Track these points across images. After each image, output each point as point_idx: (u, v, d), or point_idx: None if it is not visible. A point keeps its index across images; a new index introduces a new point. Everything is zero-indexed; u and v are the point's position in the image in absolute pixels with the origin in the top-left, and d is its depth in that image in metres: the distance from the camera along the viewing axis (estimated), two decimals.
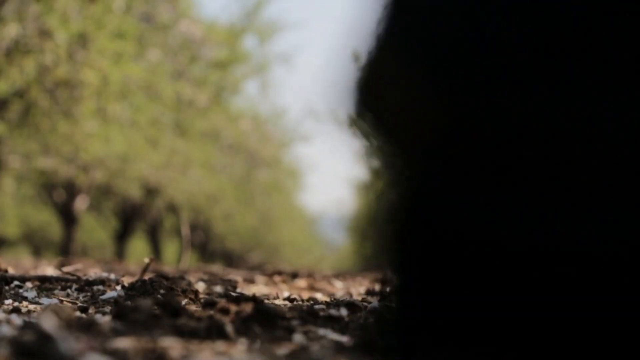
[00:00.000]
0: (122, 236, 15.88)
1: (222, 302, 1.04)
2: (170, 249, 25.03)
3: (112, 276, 1.66)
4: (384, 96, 1.10)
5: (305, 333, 0.93)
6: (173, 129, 10.92)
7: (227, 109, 13.61)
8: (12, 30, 6.22)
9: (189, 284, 1.41)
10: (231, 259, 25.53)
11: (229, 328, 0.86)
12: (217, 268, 4.22)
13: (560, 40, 0.99)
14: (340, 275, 3.44)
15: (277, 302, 1.52)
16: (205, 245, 21.89)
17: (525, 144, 0.92)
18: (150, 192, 14.15)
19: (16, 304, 1.27)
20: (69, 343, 0.65)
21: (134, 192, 13.24)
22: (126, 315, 0.89)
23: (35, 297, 1.38)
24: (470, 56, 1.01)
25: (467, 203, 0.95)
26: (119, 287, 1.47)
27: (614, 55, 0.97)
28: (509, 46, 1.02)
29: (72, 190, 12.67)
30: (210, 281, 2.06)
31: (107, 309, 1.20)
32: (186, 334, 0.84)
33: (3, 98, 7.01)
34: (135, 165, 10.75)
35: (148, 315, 0.89)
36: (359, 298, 1.78)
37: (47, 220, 18.88)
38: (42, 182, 12.23)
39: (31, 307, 1.24)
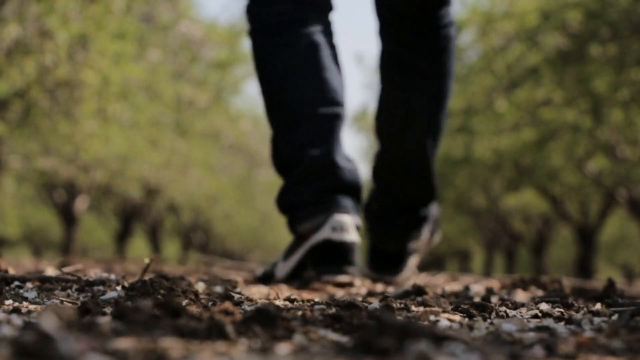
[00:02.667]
0: (122, 236, 15.89)
1: (223, 303, 1.04)
2: (170, 249, 25.03)
3: (113, 276, 1.66)
4: None
5: (305, 333, 0.93)
6: (173, 129, 10.93)
7: (227, 109, 13.61)
8: (12, 30, 6.22)
9: (189, 284, 1.41)
10: (231, 259, 25.54)
11: (230, 328, 0.86)
12: (217, 268, 4.22)
13: None
14: None
15: (277, 302, 1.52)
16: (206, 246, 21.91)
17: None
18: (151, 192, 14.15)
19: (16, 304, 1.27)
20: (69, 343, 0.65)
21: (134, 192, 13.25)
22: (126, 316, 0.89)
23: (36, 297, 1.38)
24: None
25: None
26: (119, 288, 1.47)
27: None
28: None
29: (72, 190, 12.68)
30: (210, 281, 2.06)
31: (108, 309, 1.20)
32: (186, 334, 0.84)
33: (3, 98, 7.02)
34: (136, 166, 10.76)
35: (148, 315, 0.89)
36: (360, 298, 1.79)
37: (47, 221, 18.89)
38: (42, 183, 12.24)
39: (31, 307, 1.24)
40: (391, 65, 2.38)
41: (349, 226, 2.12)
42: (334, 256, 2.08)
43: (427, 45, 2.31)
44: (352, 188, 2.20)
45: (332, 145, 2.19)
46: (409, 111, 2.36)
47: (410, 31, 2.30)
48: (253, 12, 2.21)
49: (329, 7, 2.26)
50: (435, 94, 2.36)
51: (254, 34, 2.24)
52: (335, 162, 2.18)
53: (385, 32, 2.36)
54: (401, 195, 2.50)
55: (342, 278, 2.07)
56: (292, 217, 2.22)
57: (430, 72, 2.36)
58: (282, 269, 2.24)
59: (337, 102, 2.22)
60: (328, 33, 2.24)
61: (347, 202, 2.17)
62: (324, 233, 2.07)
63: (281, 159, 2.25)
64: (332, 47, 2.26)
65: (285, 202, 2.25)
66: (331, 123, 2.19)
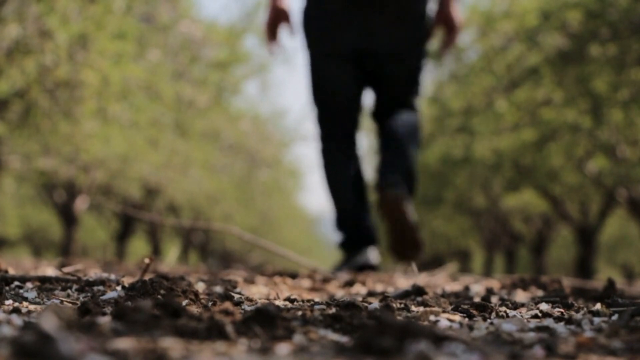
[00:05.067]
0: (122, 236, 15.90)
1: (223, 303, 1.04)
2: (170, 249, 25.03)
3: (112, 276, 1.66)
4: None
5: (305, 333, 0.93)
6: (173, 129, 10.93)
7: (227, 109, 13.61)
8: (12, 30, 6.22)
9: (189, 284, 1.41)
10: (231, 260, 25.52)
11: (230, 328, 0.86)
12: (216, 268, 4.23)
13: None
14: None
15: (277, 302, 1.52)
16: (205, 246, 21.91)
17: None
18: (151, 192, 14.15)
19: (16, 304, 1.27)
20: (69, 343, 0.65)
21: (134, 193, 13.25)
22: (126, 316, 0.89)
23: (36, 297, 1.38)
24: None
25: None
26: (119, 288, 1.47)
27: None
28: None
29: (72, 190, 12.69)
30: (210, 281, 2.06)
31: (108, 309, 1.20)
32: (186, 334, 0.84)
33: (3, 98, 7.01)
34: (136, 166, 10.76)
35: (148, 315, 0.89)
36: (360, 298, 1.79)
37: (48, 221, 18.89)
38: (42, 183, 12.24)
39: (31, 307, 1.24)
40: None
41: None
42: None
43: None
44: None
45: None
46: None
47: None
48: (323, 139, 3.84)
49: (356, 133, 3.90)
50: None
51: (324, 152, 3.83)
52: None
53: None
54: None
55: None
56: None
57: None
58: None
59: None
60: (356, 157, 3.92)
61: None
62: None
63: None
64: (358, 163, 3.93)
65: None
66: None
